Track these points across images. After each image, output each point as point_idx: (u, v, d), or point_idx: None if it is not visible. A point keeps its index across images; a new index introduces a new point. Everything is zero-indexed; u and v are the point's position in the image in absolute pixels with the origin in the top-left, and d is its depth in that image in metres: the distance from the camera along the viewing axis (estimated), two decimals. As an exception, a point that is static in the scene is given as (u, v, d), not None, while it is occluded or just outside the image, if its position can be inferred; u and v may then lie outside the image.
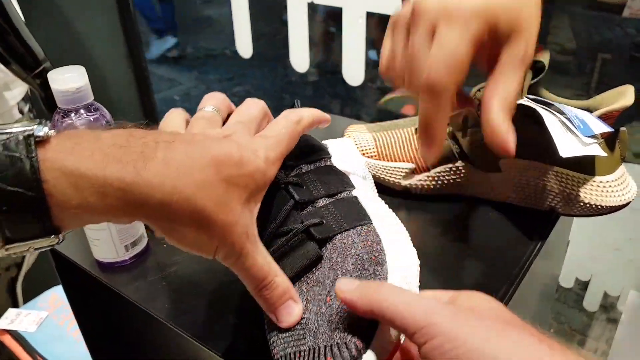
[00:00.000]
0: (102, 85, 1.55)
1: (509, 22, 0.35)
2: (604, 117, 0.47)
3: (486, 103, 0.36)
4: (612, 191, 0.48)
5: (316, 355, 0.30)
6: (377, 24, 1.17)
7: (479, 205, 0.55)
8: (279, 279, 0.33)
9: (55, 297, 1.06)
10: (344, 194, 0.39)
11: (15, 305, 1.20)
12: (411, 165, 0.55)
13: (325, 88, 2.24)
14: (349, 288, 0.29)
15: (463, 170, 0.54)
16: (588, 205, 0.48)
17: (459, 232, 0.52)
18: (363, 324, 0.30)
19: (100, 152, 0.26)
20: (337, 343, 0.30)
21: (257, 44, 1.42)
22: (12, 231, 0.25)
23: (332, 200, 0.38)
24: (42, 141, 0.25)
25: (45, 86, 0.92)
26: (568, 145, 0.42)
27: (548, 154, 0.48)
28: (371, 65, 1.34)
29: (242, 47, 1.40)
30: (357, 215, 0.37)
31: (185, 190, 0.28)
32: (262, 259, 0.32)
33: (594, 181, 0.48)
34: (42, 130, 0.25)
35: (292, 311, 0.33)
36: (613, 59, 1.39)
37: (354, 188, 0.40)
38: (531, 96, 0.47)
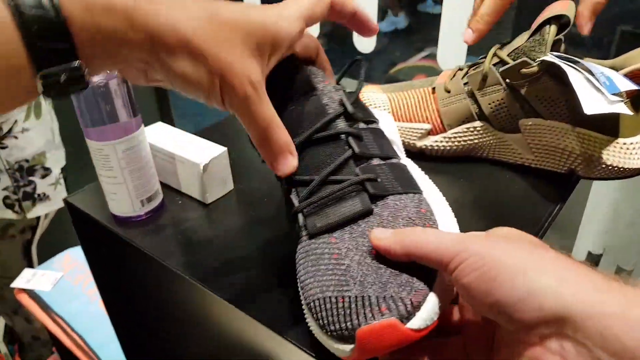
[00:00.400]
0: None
1: None
2: (629, 76, 0.45)
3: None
4: (636, 153, 0.47)
5: (366, 304, 0.29)
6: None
7: (496, 166, 0.55)
8: (281, 131, 0.34)
9: (70, 259, 1.08)
10: (394, 160, 0.38)
11: (31, 267, 1.22)
12: (427, 126, 0.54)
13: (335, 57, 2.21)
14: (385, 235, 0.31)
15: (481, 131, 0.53)
16: (610, 167, 0.47)
17: (475, 194, 0.52)
18: (420, 278, 0.30)
19: None
20: (392, 296, 0.29)
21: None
22: (40, 52, 0.26)
23: (385, 162, 0.37)
24: None
25: None
26: (593, 102, 0.41)
27: (571, 113, 0.47)
28: (381, 35, 1.32)
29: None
30: (410, 182, 0.37)
31: (174, 19, 0.29)
32: (267, 108, 0.33)
33: (617, 142, 0.47)
34: None
35: (289, 163, 0.35)
36: (633, 30, 1.35)
37: (401, 158, 0.40)
38: (556, 53, 0.46)
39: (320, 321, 0.31)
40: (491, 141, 0.53)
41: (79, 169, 1.09)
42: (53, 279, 1.02)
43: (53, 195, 1.14)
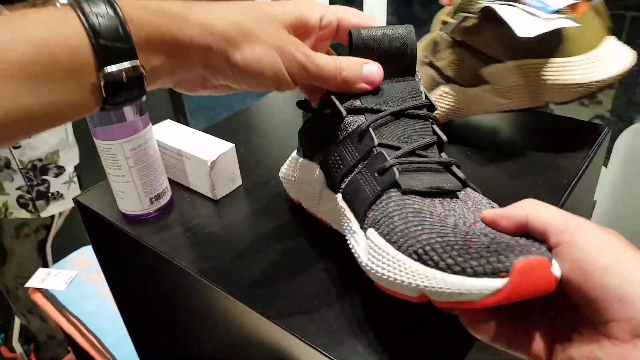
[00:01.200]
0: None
1: None
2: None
3: None
4: (600, 65, 0.48)
5: (508, 246, 0.28)
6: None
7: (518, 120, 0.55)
8: (345, 60, 0.37)
9: (84, 257, 1.09)
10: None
11: (45, 266, 1.24)
12: None
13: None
14: (493, 212, 0.32)
15: (452, 93, 0.54)
16: (578, 85, 0.48)
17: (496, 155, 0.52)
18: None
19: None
20: (530, 244, 0.29)
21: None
22: (104, 50, 0.29)
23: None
24: None
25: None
26: (525, 26, 0.44)
27: (522, 48, 0.49)
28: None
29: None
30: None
31: (221, 14, 0.33)
32: (324, 58, 0.36)
33: (575, 61, 0.48)
34: None
35: (372, 69, 0.37)
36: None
37: None
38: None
39: (446, 261, 0.28)
40: (465, 99, 0.54)
41: (93, 167, 1.09)
42: (67, 278, 1.02)
43: (67, 194, 1.15)
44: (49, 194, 1.13)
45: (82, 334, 0.92)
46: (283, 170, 0.50)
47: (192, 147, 0.51)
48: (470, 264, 0.28)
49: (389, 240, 0.32)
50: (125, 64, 0.29)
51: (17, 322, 1.37)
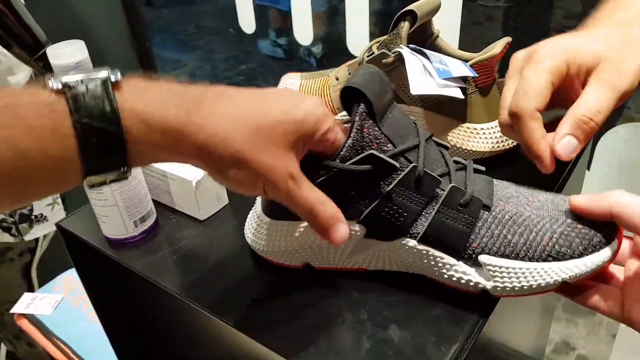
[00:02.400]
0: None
1: (590, 55, 0.40)
2: (476, 67, 0.52)
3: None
4: (483, 137, 0.54)
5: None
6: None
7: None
8: (325, 206, 0.35)
9: (70, 279, 1.07)
10: None
11: (31, 290, 1.21)
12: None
13: (330, 61, 2.21)
14: (582, 198, 0.36)
15: None
16: (459, 149, 0.54)
17: None
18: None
19: (162, 98, 0.30)
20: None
21: (260, 20, 1.40)
22: (94, 163, 0.29)
23: None
24: (116, 85, 0.29)
25: (48, 68, 0.91)
26: (420, 84, 0.48)
27: (422, 98, 0.54)
28: (375, 36, 1.33)
29: (245, 23, 1.38)
30: None
31: (224, 133, 0.31)
32: (308, 192, 0.35)
33: (461, 126, 0.54)
34: (116, 76, 0.29)
35: (341, 230, 0.36)
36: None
37: None
38: (412, 45, 0.52)
39: (577, 249, 0.36)
40: None
41: (76, 189, 1.09)
42: (53, 302, 1.01)
43: (51, 216, 1.13)
44: (32, 217, 1.11)
45: (70, 359, 0.90)
46: (267, 242, 0.44)
47: (176, 167, 0.51)
48: (591, 242, 0.36)
49: (509, 257, 0.37)
50: (115, 172, 0.30)
51: (3, 348, 1.35)
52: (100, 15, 1.49)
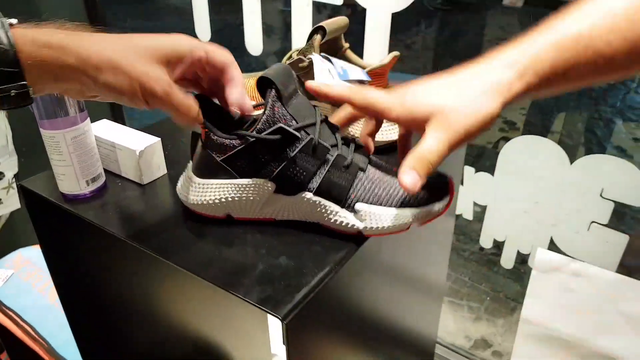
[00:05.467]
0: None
1: (434, 107, 0.45)
2: (371, 73, 0.67)
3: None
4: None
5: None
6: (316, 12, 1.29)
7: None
8: (188, 100, 0.46)
9: (21, 258, 1.15)
10: None
11: (-19, 269, 1.27)
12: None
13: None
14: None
15: None
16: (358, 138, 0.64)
17: None
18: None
19: (48, 31, 0.41)
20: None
21: (216, 30, 1.52)
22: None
23: None
24: (14, 25, 0.40)
25: None
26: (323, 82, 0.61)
27: None
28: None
29: (202, 32, 1.50)
30: None
31: (98, 46, 0.42)
32: (182, 96, 0.45)
33: (361, 121, 0.63)
34: (12, 21, 0.40)
35: (193, 111, 0.47)
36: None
37: None
38: (323, 54, 0.66)
39: (423, 198, 0.51)
40: None
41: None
42: (4, 276, 1.08)
43: (5, 199, 1.21)
44: (-13, 199, 1.18)
45: (18, 325, 0.98)
46: (197, 197, 0.55)
47: (123, 140, 0.62)
48: (431, 195, 0.52)
49: (376, 204, 0.51)
50: (15, 84, 0.39)
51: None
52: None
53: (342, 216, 0.52)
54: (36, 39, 0.40)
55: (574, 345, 1.19)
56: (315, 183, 0.51)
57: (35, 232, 0.66)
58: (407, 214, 0.51)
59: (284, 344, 0.45)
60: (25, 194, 0.64)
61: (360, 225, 0.51)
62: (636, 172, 0.97)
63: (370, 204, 0.51)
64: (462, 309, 1.55)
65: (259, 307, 0.44)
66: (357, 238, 0.52)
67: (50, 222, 0.66)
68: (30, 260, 1.13)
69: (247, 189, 0.52)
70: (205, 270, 0.49)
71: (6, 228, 1.29)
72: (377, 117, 0.54)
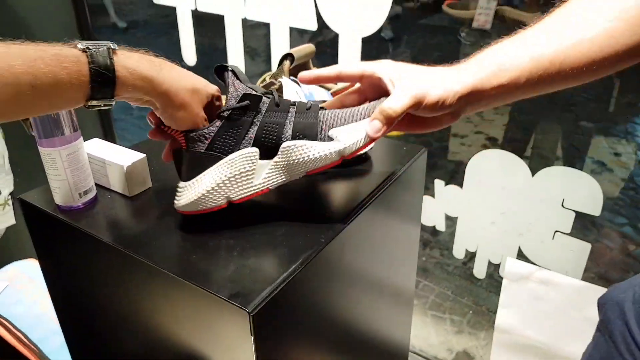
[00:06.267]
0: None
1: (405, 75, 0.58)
2: (334, 94, 0.76)
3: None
4: None
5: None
6: (299, 36, 1.37)
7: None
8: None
9: (15, 271, 1.20)
10: None
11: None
12: None
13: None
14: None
15: None
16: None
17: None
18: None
19: (140, 61, 0.52)
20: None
21: (202, 54, 1.60)
22: (96, 92, 0.49)
23: None
24: (114, 51, 0.50)
25: None
26: None
27: None
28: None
29: (188, 56, 1.58)
30: None
31: (176, 87, 0.55)
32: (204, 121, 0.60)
33: None
34: (114, 46, 0.50)
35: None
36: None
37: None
38: (292, 77, 0.74)
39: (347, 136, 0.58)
40: None
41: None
42: (-1, 287, 1.13)
43: (1, 215, 1.26)
44: (-16, 215, 1.24)
45: (10, 332, 1.03)
46: (193, 194, 0.60)
47: (112, 157, 0.69)
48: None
49: (346, 124, 0.58)
50: (106, 101, 0.50)
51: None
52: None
53: (321, 148, 0.58)
54: (131, 70, 0.50)
55: (547, 352, 1.23)
56: (288, 132, 0.59)
57: (28, 246, 0.72)
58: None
59: (251, 335, 0.51)
60: (23, 206, 0.71)
61: (340, 146, 0.58)
62: (593, 182, 1.04)
63: (339, 125, 0.58)
64: (445, 322, 1.59)
65: (229, 302, 0.51)
66: (325, 232, 0.60)
67: (46, 233, 0.72)
68: (23, 273, 1.19)
69: (235, 162, 0.59)
70: (183, 271, 0.56)
71: (1, 243, 1.34)
72: (361, 79, 0.61)
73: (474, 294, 1.66)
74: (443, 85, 0.54)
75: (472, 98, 0.54)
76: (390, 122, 0.55)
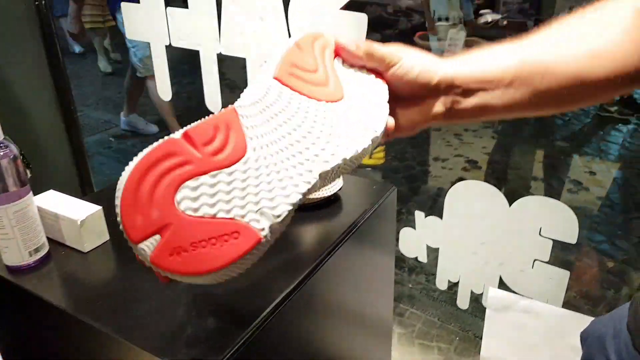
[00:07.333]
0: (29, 128, 1.63)
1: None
2: None
3: None
4: None
5: None
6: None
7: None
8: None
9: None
10: None
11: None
12: None
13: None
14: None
15: None
16: None
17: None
18: None
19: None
20: None
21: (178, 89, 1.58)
22: None
23: None
24: None
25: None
26: None
27: None
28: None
29: (163, 91, 1.56)
30: None
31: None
32: None
33: None
34: None
35: None
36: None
37: None
38: None
39: None
40: None
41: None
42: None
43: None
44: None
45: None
46: None
47: (65, 210, 0.66)
48: None
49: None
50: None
51: None
52: (23, 78, 1.60)
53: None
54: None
55: (533, 381, 1.22)
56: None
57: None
58: None
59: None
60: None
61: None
62: (567, 210, 1.03)
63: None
64: (432, 350, 1.57)
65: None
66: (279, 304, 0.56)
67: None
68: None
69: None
70: (138, 336, 0.52)
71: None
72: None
73: (460, 319, 1.65)
74: (426, 55, 0.51)
75: (454, 85, 0.50)
76: (367, 52, 0.51)
